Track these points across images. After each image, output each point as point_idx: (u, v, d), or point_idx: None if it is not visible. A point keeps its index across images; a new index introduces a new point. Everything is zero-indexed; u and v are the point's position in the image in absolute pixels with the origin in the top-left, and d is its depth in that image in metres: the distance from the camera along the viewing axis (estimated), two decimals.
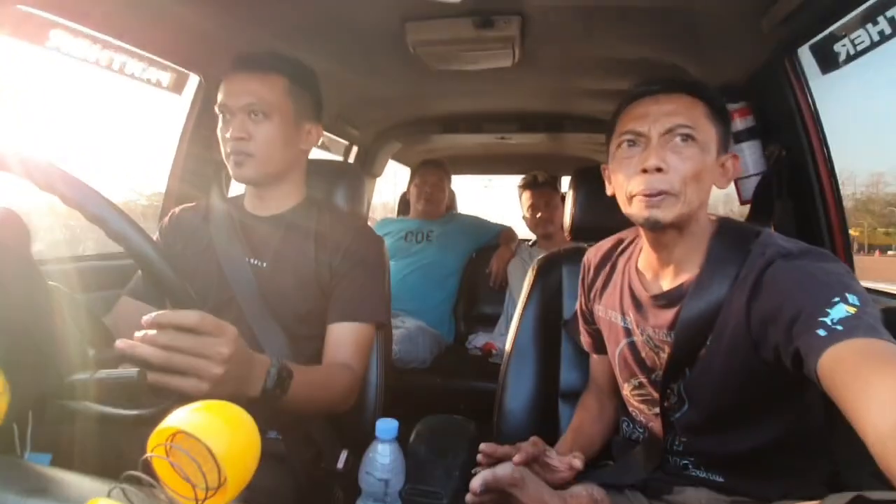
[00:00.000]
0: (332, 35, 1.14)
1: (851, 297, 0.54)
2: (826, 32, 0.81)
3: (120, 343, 0.52)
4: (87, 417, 0.54)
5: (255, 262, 0.91)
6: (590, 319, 0.93)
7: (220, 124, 0.90)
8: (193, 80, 1.29)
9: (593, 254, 0.92)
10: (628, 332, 0.80)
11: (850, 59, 0.80)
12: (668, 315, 0.73)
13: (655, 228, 0.70)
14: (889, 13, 0.68)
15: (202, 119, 1.28)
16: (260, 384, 0.63)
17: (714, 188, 0.72)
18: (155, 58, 1.18)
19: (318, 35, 1.14)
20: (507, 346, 1.10)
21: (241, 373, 0.59)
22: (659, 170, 0.67)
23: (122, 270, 0.96)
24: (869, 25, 0.72)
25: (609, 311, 0.85)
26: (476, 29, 1.06)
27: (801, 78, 0.94)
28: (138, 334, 0.53)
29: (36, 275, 0.50)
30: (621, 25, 1.08)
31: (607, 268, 0.88)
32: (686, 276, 0.72)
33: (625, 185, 0.71)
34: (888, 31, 0.70)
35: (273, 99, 0.87)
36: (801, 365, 0.55)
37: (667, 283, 0.75)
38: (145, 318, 0.53)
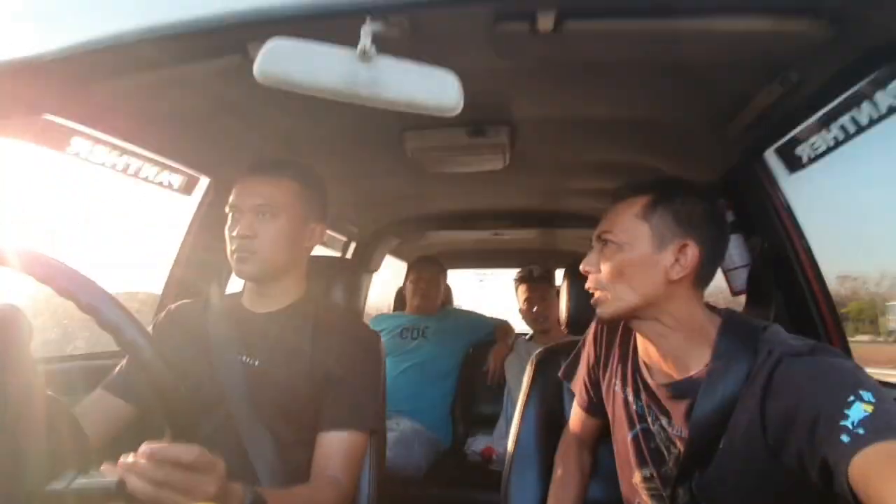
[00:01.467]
0: (336, 142, 1.24)
1: (866, 395, 0.53)
2: (787, 137, 0.90)
3: (106, 468, 0.50)
4: None
5: (248, 360, 0.89)
6: (595, 381, 0.90)
7: (228, 223, 0.93)
8: (203, 183, 1.36)
9: None
10: (642, 418, 0.77)
11: (812, 160, 0.87)
12: (681, 408, 0.71)
13: (609, 325, 0.81)
14: (840, 121, 0.76)
15: (209, 218, 1.34)
16: None
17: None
18: (168, 162, 1.26)
19: (323, 142, 1.23)
20: (509, 450, 1.03)
21: None
22: (588, 272, 0.77)
23: (109, 371, 0.93)
24: (824, 132, 0.81)
25: (625, 389, 0.82)
26: (469, 137, 1.16)
27: (771, 177, 1.01)
28: (127, 460, 0.51)
29: (33, 378, 0.49)
30: (601, 133, 1.18)
31: (620, 334, 0.86)
32: (694, 370, 0.71)
33: None
34: (841, 136, 0.77)
35: (282, 200, 0.91)
36: (828, 475, 0.52)
37: (674, 374, 0.74)
38: (143, 449, 0.51)
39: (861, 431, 0.50)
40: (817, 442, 0.54)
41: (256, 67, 0.56)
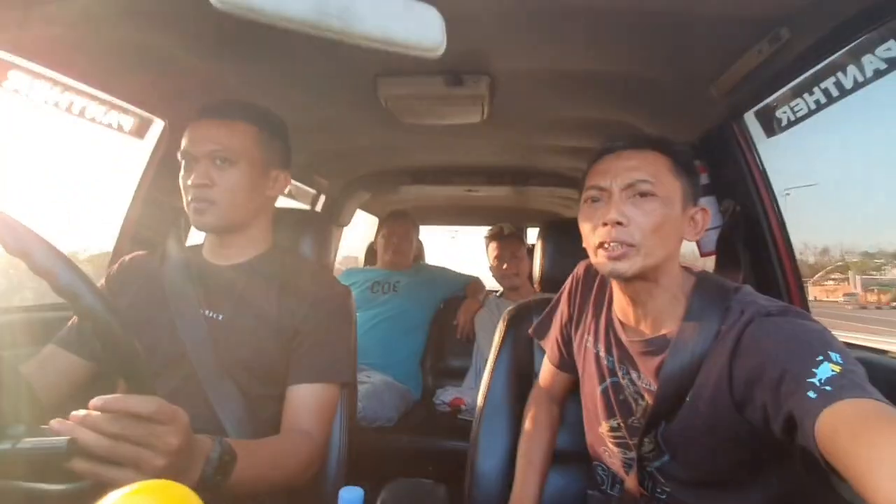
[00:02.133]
0: (304, 86, 1.16)
1: (834, 356, 0.55)
2: (768, 101, 0.89)
3: (56, 423, 0.46)
4: (5, 498, 0.46)
5: (211, 314, 0.85)
6: (567, 339, 0.92)
7: (181, 171, 0.86)
8: (157, 126, 1.26)
9: (584, 269, 0.93)
10: (612, 372, 0.80)
11: (790, 124, 0.87)
12: (652, 363, 0.73)
13: (620, 280, 0.73)
14: (822, 85, 0.75)
15: (164, 165, 1.24)
16: (197, 472, 0.55)
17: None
18: (118, 102, 1.15)
19: (290, 85, 1.15)
20: (479, 401, 1.05)
21: (182, 463, 0.53)
22: (619, 223, 0.69)
23: (61, 323, 0.88)
24: (805, 95, 0.80)
25: (597, 344, 0.84)
26: (446, 86, 1.10)
27: (749, 140, 1.01)
28: (77, 414, 0.47)
29: None
30: (583, 88, 1.14)
31: (594, 292, 0.88)
32: (667, 328, 0.73)
33: (590, 238, 0.74)
34: (822, 100, 0.77)
35: (239, 146, 0.85)
36: (792, 430, 0.54)
37: (647, 331, 0.76)
38: (95, 402, 0.47)
39: (828, 389, 0.52)
40: (783, 397, 0.55)
41: None
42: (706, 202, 1.14)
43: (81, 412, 0.48)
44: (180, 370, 0.81)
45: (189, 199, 0.84)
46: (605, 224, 0.70)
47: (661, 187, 0.70)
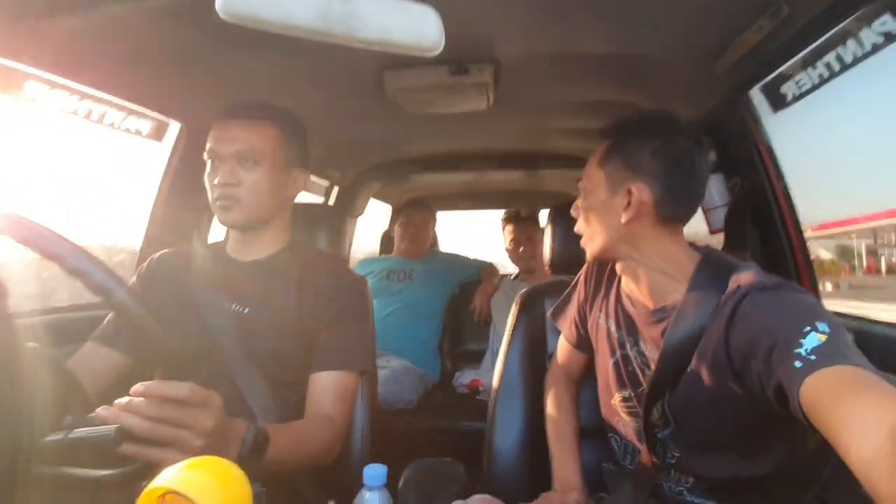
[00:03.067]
0: (313, 83, 1.18)
1: (822, 326, 0.57)
2: (773, 76, 0.88)
3: (102, 411, 0.51)
4: (57, 484, 0.51)
5: (237, 307, 0.90)
6: (583, 318, 0.95)
7: (207, 170, 0.90)
8: (174, 128, 1.30)
9: None
10: (622, 345, 0.83)
11: (796, 98, 0.87)
12: (655, 334, 0.76)
13: (595, 264, 0.90)
14: (825, 59, 0.75)
15: (183, 165, 1.29)
16: (235, 452, 0.61)
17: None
18: (135, 107, 1.19)
19: (300, 83, 1.17)
20: (495, 383, 1.09)
21: (219, 444, 0.58)
22: (575, 217, 0.85)
23: (97, 322, 0.93)
24: (810, 69, 0.80)
25: (608, 320, 0.87)
26: (451, 76, 1.11)
27: (755, 116, 1.01)
28: (121, 401, 0.52)
29: (13, 334, 0.49)
30: (586, 70, 1.14)
31: (608, 271, 0.91)
32: (670, 299, 0.76)
33: None
34: (826, 74, 0.77)
35: (264, 147, 0.88)
36: (784, 398, 0.57)
37: (651, 303, 0.78)
38: (135, 389, 0.52)
39: (813, 357, 0.54)
40: (773, 367, 0.58)
41: (219, 3, 0.52)
42: (714, 180, 1.14)
43: (124, 399, 0.52)
44: (210, 361, 0.86)
45: (215, 196, 0.88)
46: None
47: (587, 181, 0.81)
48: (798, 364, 0.54)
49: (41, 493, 0.53)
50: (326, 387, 0.86)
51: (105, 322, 0.91)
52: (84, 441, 0.51)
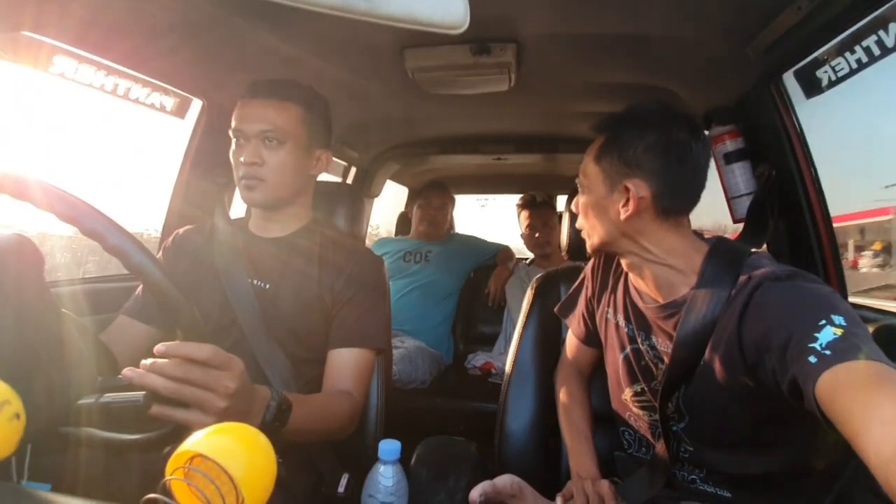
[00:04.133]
0: (333, 61, 1.17)
1: (837, 319, 0.55)
2: (808, 60, 0.85)
3: (128, 371, 0.53)
4: (88, 445, 0.54)
5: (259, 283, 0.92)
6: (591, 312, 0.95)
7: (233, 147, 0.92)
8: (196, 105, 1.31)
9: None
10: (632, 339, 0.82)
11: (831, 84, 0.83)
12: (667, 327, 0.75)
13: (599, 258, 0.92)
14: (865, 43, 0.71)
15: (204, 142, 1.30)
16: (259, 417, 0.63)
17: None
18: (158, 83, 1.20)
19: (319, 61, 1.17)
20: (508, 367, 1.10)
21: (243, 407, 0.59)
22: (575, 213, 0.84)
23: (125, 292, 0.97)
24: (847, 54, 0.76)
25: (616, 315, 0.87)
26: (473, 55, 1.09)
27: (787, 102, 0.97)
28: (146, 362, 0.53)
29: (50, 302, 0.51)
30: (612, 52, 1.11)
31: (614, 265, 0.90)
32: (680, 293, 0.74)
33: None
34: (865, 59, 0.73)
35: (288, 127, 0.89)
36: (799, 393, 0.56)
37: (660, 297, 0.77)
38: (158, 348, 0.53)
39: (828, 353, 0.53)
40: (788, 362, 0.57)
41: None
42: (741, 167, 1.11)
43: (149, 361, 0.54)
44: (231, 335, 0.89)
45: (240, 175, 0.90)
46: None
47: (584, 177, 0.80)
48: (813, 359, 0.53)
49: (75, 452, 0.55)
50: (345, 363, 0.88)
51: (134, 296, 0.94)
52: (114, 405, 0.53)
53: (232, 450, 0.30)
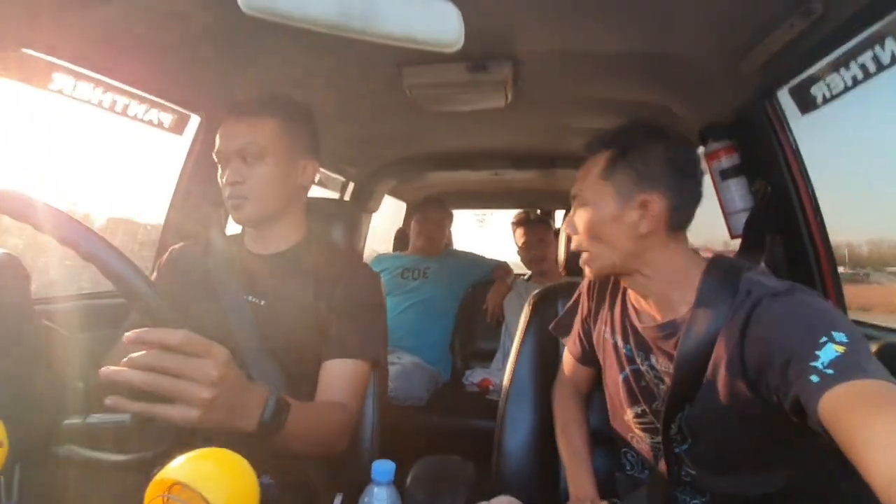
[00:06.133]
0: (331, 79, 1.18)
1: (838, 335, 0.55)
2: (803, 77, 0.85)
3: (104, 370, 0.50)
4: (76, 465, 0.52)
5: (254, 299, 0.91)
6: (587, 331, 0.93)
7: (219, 170, 0.92)
8: (194, 121, 1.32)
9: None
10: (631, 360, 0.81)
11: (826, 101, 0.84)
12: (667, 347, 0.74)
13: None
14: (860, 60, 0.72)
15: (202, 158, 1.31)
16: (257, 415, 0.60)
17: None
18: (157, 99, 1.21)
19: (318, 79, 1.18)
20: (505, 383, 1.08)
21: (234, 400, 0.57)
22: (569, 234, 0.80)
23: (119, 308, 0.96)
24: (842, 70, 0.77)
25: (614, 335, 0.85)
26: (469, 73, 1.10)
27: (782, 118, 0.98)
28: (123, 360, 0.51)
29: (34, 320, 0.50)
30: (608, 69, 1.12)
31: (610, 284, 0.89)
32: (679, 312, 0.74)
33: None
34: (860, 76, 0.74)
35: (264, 141, 0.88)
36: (802, 412, 0.55)
37: (660, 316, 0.76)
38: (127, 336, 0.50)
39: (830, 372, 0.52)
40: (790, 380, 0.56)
41: None
42: (736, 183, 1.11)
43: (125, 358, 0.51)
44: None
45: (226, 195, 0.90)
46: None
47: (589, 194, 0.76)
48: (815, 378, 0.52)
49: (61, 472, 0.54)
50: (339, 374, 0.86)
51: (133, 314, 0.92)
52: (101, 425, 0.52)
53: (212, 476, 0.29)
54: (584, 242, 0.77)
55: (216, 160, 0.91)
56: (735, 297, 0.67)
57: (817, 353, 0.54)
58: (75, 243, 0.49)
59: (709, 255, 0.76)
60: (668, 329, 0.74)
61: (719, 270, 0.72)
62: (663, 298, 0.75)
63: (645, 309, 0.79)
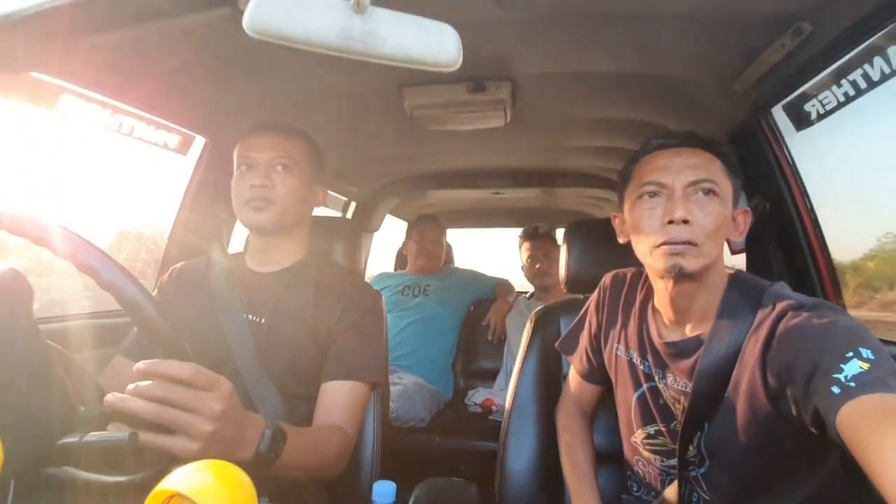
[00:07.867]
0: (334, 100, 1.21)
1: (865, 352, 0.54)
2: (795, 94, 0.87)
3: (109, 397, 0.50)
4: (72, 487, 0.51)
5: (254, 318, 0.91)
6: (596, 348, 0.92)
7: (236, 177, 0.93)
8: (198, 141, 1.34)
9: (611, 279, 0.93)
10: (649, 377, 0.80)
11: (820, 117, 0.85)
12: (686, 364, 0.73)
13: (679, 277, 0.70)
14: (851, 77, 0.74)
15: (206, 178, 1.32)
16: (253, 446, 0.60)
17: None
18: (162, 121, 1.23)
19: (321, 100, 1.20)
20: (508, 403, 1.07)
21: (233, 433, 0.57)
22: (685, 221, 0.68)
23: (119, 328, 0.96)
24: (834, 87, 0.78)
25: (629, 351, 0.84)
26: (469, 93, 1.12)
27: (778, 135, 0.99)
28: (129, 387, 0.51)
29: (36, 337, 0.50)
30: (605, 89, 1.15)
31: (622, 300, 0.88)
32: (703, 328, 0.73)
33: (648, 236, 0.72)
34: (852, 92, 0.75)
35: (297, 156, 0.93)
36: (822, 424, 0.54)
37: (684, 332, 0.75)
38: (137, 366, 0.51)
39: (852, 385, 0.52)
40: (812, 392, 0.55)
41: (246, 20, 0.53)
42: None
43: (132, 385, 0.51)
44: (225, 370, 0.87)
45: (248, 197, 0.90)
46: (670, 222, 0.69)
47: (721, 187, 0.71)
48: (836, 390, 0.52)
49: (58, 494, 0.53)
50: (337, 396, 0.86)
51: (130, 336, 0.93)
52: (98, 444, 0.51)
53: (211, 488, 0.29)
54: (705, 234, 0.68)
55: (238, 166, 0.93)
56: (759, 309, 0.67)
57: (842, 366, 0.53)
58: (93, 270, 0.49)
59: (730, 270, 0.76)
60: (689, 345, 0.73)
61: (742, 283, 0.72)
62: (699, 312, 0.74)
63: (669, 324, 0.78)
